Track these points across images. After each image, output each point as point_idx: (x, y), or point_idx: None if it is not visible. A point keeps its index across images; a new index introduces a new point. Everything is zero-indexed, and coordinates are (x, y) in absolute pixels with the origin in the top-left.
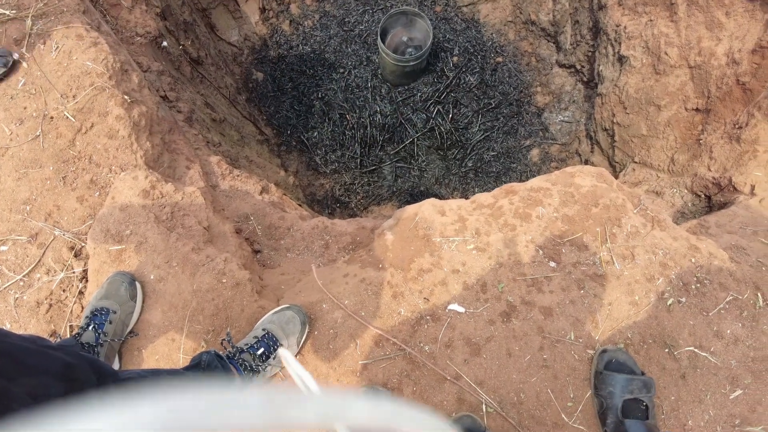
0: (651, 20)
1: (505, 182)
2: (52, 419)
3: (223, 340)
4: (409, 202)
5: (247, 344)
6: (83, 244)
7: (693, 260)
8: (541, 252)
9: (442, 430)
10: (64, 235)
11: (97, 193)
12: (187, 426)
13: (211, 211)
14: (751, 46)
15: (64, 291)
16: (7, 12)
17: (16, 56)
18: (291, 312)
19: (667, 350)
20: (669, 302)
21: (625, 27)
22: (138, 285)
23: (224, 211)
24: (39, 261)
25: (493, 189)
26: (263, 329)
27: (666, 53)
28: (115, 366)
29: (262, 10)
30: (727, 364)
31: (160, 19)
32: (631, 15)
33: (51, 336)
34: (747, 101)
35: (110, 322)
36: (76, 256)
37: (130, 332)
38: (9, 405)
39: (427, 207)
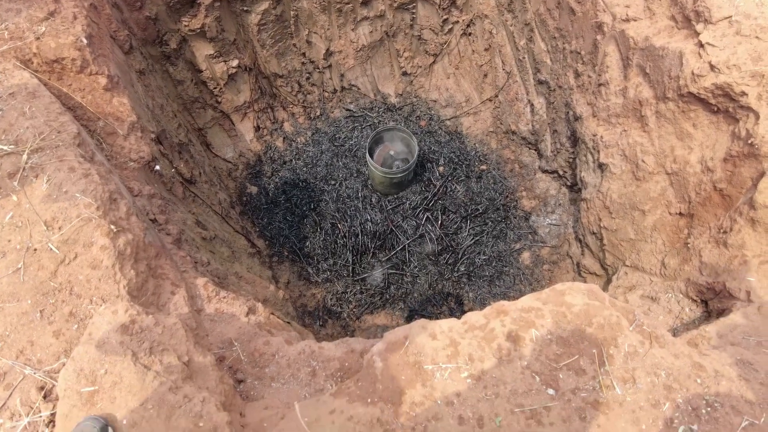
0: (625, 130)
1: (498, 286)
2: None
3: None
4: (402, 309)
5: None
6: (54, 383)
7: (699, 381)
8: (537, 379)
9: None
10: (34, 374)
11: (76, 326)
12: None
13: (192, 343)
14: (722, 155)
15: None
16: (5, 147)
17: None
18: None
19: None
20: (680, 431)
21: (601, 137)
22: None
23: (208, 337)
24: (4, 404)
25: (486, 293)
26: None
27: (643, 161)
28: None
29: (257, 128)
30: None
31: (154, 143)
32: (606, 125)
33: None
34: (727, 206)
35: None
36: (45, 397)
37: None
38: None
39: (417, 330)
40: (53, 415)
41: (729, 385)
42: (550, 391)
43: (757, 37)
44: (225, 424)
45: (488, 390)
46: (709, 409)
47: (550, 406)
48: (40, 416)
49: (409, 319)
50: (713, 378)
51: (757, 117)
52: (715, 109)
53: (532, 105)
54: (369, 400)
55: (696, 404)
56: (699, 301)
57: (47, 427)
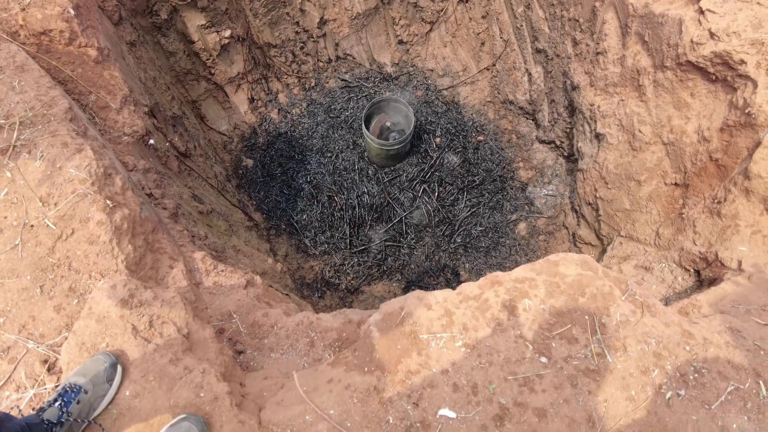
0: (622, 100)
1: (494, 257)
2: None
3: None
4: (399, 281)
5: None
6: (57, 357)
7: (688, 348)
8: (531, 347)
9: None
10: (37, 347)
11: (76, 300)
12: None
13: (191, 316)
14: (719, 125)
15: (33, 410)
16: None
17: None
18: (188, 423)
19: None
20: (668, 396)
21: (598, 106)
22: (119, 369)
23: (207, 310)
24: (9, 377)
25: (482, 264)
26: None
27: (640, 131)
28: None
29: (251, 99)
30: None
31: (148, 117)
32: (603, 95)
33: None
34: (722, 176)
35: (78, 402)
36: (48, 370)
37: (95, 419)
38: None
39: (413, 301)
40: (57, 387)
41: (717, 352)
42: (543, 360)
43: (758, 3)
44: (225, 394)
45: (482, 358)
46: (696, 375)
47: (543, 373)
48: (45, 388)
49: (406, 290)
50: (702, 345)
51: (755, 86)
52: (714, 78)
53: (529, 74)
54: (366, 369)
55: (684, 370)
56: (692, 270)
57: None
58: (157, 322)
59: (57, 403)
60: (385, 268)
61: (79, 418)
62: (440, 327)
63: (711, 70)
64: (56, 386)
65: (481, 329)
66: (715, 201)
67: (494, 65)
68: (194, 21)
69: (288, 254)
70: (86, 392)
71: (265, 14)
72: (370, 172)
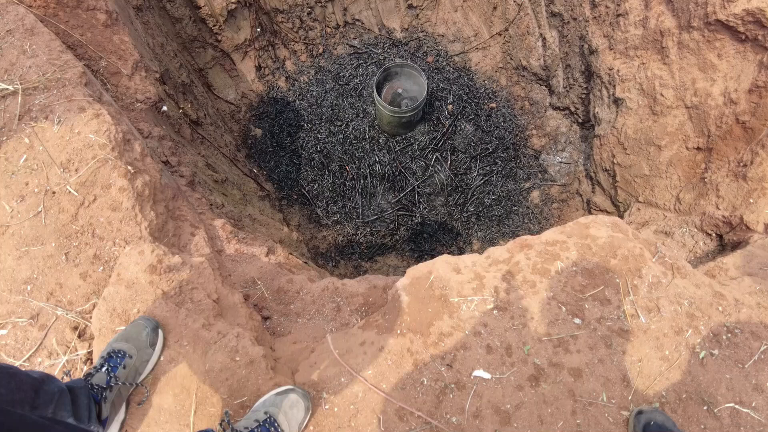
0: (643, 63)
1: (507, 225)
2: None
3: (222, 420)
4: (413, 250)
5: (247, 427)
6: (87, 324)
7: (720, 309)
8: (564, 309)
9: None
10: (66, 314)
11: (101, 268)
12: None
13: (220, 282)
14: (747, 86)
15: (66, 376)
16: (9, 86)
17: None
18: (295, 396)
19: (705, 407)
20: (701, 355)
21: (618, 70)
22: (161, 332)
23: (231, 277)
24: (40, 344)
25: (495, 233)
26: (265, 412)
27: (662, 94)
28: (121, 415)
29: (258, 67)
30: None
31: (159, 84)
32: (623, 59)
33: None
34: (749, 139)
35: (124, 367)
36: (79, 336)
37: (142, 382)
38: None
39: (441, 264)
40: (89, 353)
41: (749, 313)
42: (577, 321)
43: None
44: (260, 357)
45: (515, 320)
46: (729, 335)
47: (577, 334)
48: (77, 354)
49: (419, 259)
50: (733, 306)
51: None
52: (743, 37)
53: (544, 39)
54: (398, 332)
55: (717, 331)
56: (714, 235)
57: (85, 364)
58: (187, 287)
59: (104, 369)
60: (398, 238)
61: (127, 382)
62: (471, 290)
63: (741, 29)
64: (88, 352)
65: (513, 292)
66: (741, 164)
67: (507, 30)
68: None
69: (300, 224)
70: (131, 357)
71: None
72: (381, 140)
